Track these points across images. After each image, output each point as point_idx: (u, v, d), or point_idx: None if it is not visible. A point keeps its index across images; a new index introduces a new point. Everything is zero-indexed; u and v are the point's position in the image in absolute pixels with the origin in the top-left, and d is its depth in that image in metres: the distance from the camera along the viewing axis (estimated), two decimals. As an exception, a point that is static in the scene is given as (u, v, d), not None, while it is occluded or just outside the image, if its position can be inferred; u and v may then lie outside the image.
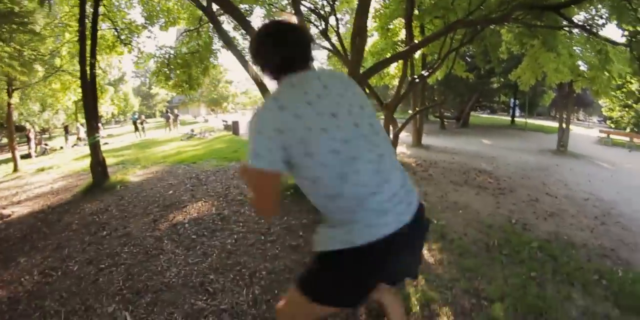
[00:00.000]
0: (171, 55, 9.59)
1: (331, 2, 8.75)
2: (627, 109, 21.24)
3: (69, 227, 4.62)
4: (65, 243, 3.99)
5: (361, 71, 5.81)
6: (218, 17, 8.77)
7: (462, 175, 7.06)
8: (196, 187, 6.16)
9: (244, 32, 9.52)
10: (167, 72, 9.57)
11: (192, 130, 18.26)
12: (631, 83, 17.38)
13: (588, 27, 7.14)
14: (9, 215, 5.67)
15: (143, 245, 3.66)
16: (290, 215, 4.28)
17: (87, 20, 6.84)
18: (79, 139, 20.82)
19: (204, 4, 5.80)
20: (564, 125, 13.19)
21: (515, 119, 25.70)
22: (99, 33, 8.00)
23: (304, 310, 1.33)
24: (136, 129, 21.73)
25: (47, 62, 10.56)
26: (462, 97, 21.46)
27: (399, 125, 8.61)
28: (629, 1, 5.09)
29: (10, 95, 11.07)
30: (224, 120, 22.50)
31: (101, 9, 7.87)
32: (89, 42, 6.76)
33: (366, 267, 1.16)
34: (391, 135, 8.43)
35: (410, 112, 12.69)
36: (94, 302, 2.65)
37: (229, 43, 5.56)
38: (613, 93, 16.86)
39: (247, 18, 8.80)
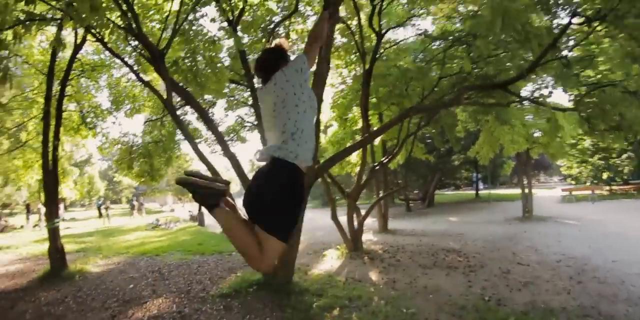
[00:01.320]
0: (134, 144, 9.70)
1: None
2: (584, 164, 22.16)
3: (22, 317, 4.47)
4: None
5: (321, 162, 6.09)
6: (181, 107, 9.15)
7: (430, 257, 6.97)
8: (157, 281, 6.00)
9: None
10: (130, 160, 9.58)
11: (157, 220, 17.45)
12: (584, 139, 18.71)
13: (535, 98, 7.79)
14: None
15: None
16: (252, 313, 4.09)
17: (53, 99, 7.04)
18: (39, 220, 19.41)
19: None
20: (526, 191, 13.53)
21: (480, 191, 26.58)
22: (65, 113, 8.11)
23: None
24: (100, 215, 21.38)
25: (13, 135, 10.40)
26: (424, 178, 22.35)
27: (363, 213, 8.71)
28: (568, 67, 5.45)
29: None
30: (189, 211, 21.86)
31: (68, 89, 8.00)
32: (53, 121, 6.95)
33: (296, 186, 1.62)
34: (355, 224, 8.41)
35: (375, 197, 12.85)
36: None
37: (188, 136, 5.71)
38: (569, 153, 18.06)
39: (208, 110, 9.07)
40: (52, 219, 6.76)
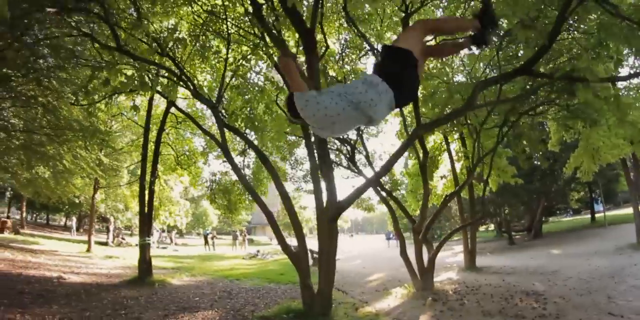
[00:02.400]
0: (215, 182, 11.01)
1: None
2: None
3: (101, 301, 6.14)
4: (90, 309, 5.49)
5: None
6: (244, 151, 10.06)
7: (502, 301, 6.13)
8: (221, 299, 6.90)
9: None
10: (212, 195, 10.86)
11: (258, 251, 18.84)
12: None
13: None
14: (65, 279, 7.82)
15: None
16: None
17: (152, 145, 9.06)
18: (158, 241, 23.23)
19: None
20: (640, 210, 10.93)
21: (598, 214, 22.10)
22: (162, 157, 10.34)
23: None
24: (206, 242, 23.75)
25: (131, 171, 13.06)
26: (526, 205, 19.87)
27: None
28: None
29: (95, 192, 14.21)
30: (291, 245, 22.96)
31: (164, 137, 9.95)
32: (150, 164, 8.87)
33: None
34: (425, 261, 7.88)
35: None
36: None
37: (242, 179, 6.47)
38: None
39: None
40: (142, 237, 8.68)
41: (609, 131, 7.40)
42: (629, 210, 22.41)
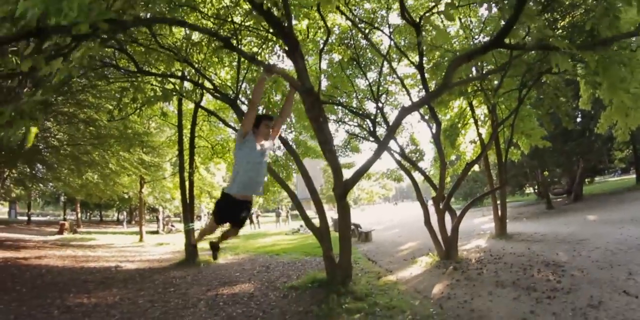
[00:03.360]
0: None
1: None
2: None
3: (154, 282, 7.29)
4: (144, 289, 6.67)
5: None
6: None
7: (519, 272, 6.30)
8: (260, 273, 7.89)
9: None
10: None
11: (301, 226, 19.35)
12: None
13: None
14: (122, 267, 9.20)
15: (186, 301, 5.73)
16: (298, 303, 5.33)
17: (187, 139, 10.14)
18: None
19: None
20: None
21: None
22: (198, 149, 11.39)
23: (210, 226, 3.60)
24: (251, 221, 25.16)
25: (174, 164, 14.45)
26: (563, 168, 19.18)
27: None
28: None
29: (141, 187, 16.02)
30: (332, 218, 23.68)
31: (197, 130, 10.88)
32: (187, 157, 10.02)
33: (228, 204, 3.11)
34: (449, 231, 8.05)
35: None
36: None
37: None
38: None
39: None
40: (187, 224, 9.85)
41: (633, 77, 6.43)
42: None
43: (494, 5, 5.06)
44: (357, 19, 8.03)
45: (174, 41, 6.76)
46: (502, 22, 6.22)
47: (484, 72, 9.12)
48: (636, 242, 7.59)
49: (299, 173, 8.37)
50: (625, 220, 10.55)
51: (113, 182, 13.54)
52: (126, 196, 18.98)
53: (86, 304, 5.72)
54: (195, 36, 7.07)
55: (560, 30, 6.83)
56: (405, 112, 5.58)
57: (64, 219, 25.49)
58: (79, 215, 27.14)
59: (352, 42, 8.66)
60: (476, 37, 8.92)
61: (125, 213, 31.53)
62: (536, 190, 21.33)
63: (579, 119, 17.15)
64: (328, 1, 4.28)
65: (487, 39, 8.49)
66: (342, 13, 7.13)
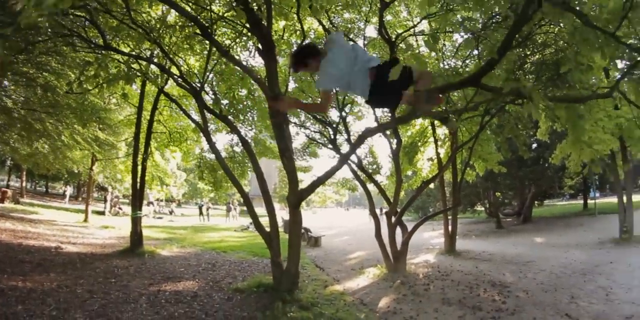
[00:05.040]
0: (202, 160, 11.67)
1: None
2: None
3: (95, 269, 6.84)
4: (84, 277, 6.19)
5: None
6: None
7: (465, 290, 6.43)
8: (205, 271, 7.51)
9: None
10: (200, 172, 11.53)
11: (250, 224, 19.05)
12: None
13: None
14: (62, 248, 8.57)
15: (127, 295, 5.35)
16: (242, 307, 5.11)
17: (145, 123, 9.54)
18: (155, 211, 25.12)
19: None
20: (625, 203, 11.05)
21: (591, 201, 21.98)
22: (155, 134, 10.81)
23: None
24: (201, 213, 25.10)
25: (129, 144, 13.59)
26: (515, 191, 20.20)
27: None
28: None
29: (92, 164, 15.19)
30: (282, 218, 23.65)
31: (157, 115, 10.25)
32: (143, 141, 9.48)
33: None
34: (399, 244, 8.23)
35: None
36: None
37: (218, 155, 6.85)
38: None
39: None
40: (134, 211, 9.33)
41: (596, 125, 7.37)
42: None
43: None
44: (334, 27, 7.96)
45: (148, 19, 6.36)
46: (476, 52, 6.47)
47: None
48: (580, 267, 8.00)
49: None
50: (570, 244, 11.17)
51: (63, 155, 12.78)
52: (76, 171, 18.11)
53: (21, 288, 5.21)
54: (171, 18, 6.71)
55: (529, 65, 7.13)
56: (369, 133, 5.57)
57: (7, 186, 23.82)
58: (24, 184, 25.51)
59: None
60: (447, 60, 9.07)
61: (69, 187, 29.84)
62: (487, 210, 22.20)
63: (534, 146, 18.01)
64: (317, 12, 4.14)
65: (459, 63, 8.71)
66: (319, 22, 7.05)
